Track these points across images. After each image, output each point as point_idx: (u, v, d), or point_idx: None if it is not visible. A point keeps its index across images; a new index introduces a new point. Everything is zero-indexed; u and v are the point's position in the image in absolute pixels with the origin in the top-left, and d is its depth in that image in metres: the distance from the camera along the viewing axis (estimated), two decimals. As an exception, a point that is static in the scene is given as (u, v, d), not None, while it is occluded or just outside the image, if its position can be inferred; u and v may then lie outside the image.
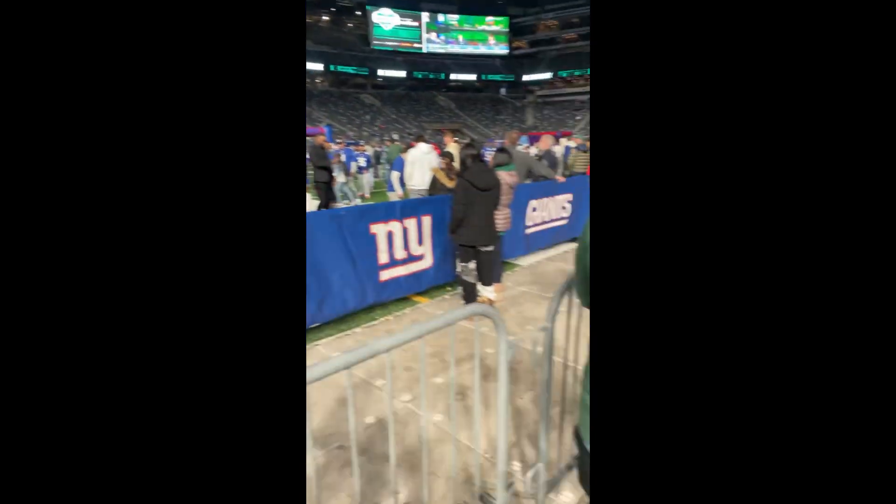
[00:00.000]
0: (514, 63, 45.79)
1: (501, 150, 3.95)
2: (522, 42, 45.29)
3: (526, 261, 5.14)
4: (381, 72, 43.07)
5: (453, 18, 43.33)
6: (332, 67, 40.73)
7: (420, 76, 42.11)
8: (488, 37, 44.73)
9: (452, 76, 44.46)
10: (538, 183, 5.24)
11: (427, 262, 4.03)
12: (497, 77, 45.97)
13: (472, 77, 45.30)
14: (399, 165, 5.98)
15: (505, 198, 3.62)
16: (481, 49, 44.89)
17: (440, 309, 3.86)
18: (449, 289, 4.26)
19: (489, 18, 44.21)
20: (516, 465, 1.95)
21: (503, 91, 46.07)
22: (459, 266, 3.60)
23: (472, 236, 3.42)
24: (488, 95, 44.99)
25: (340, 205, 8.19)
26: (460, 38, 43.83)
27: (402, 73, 43.51)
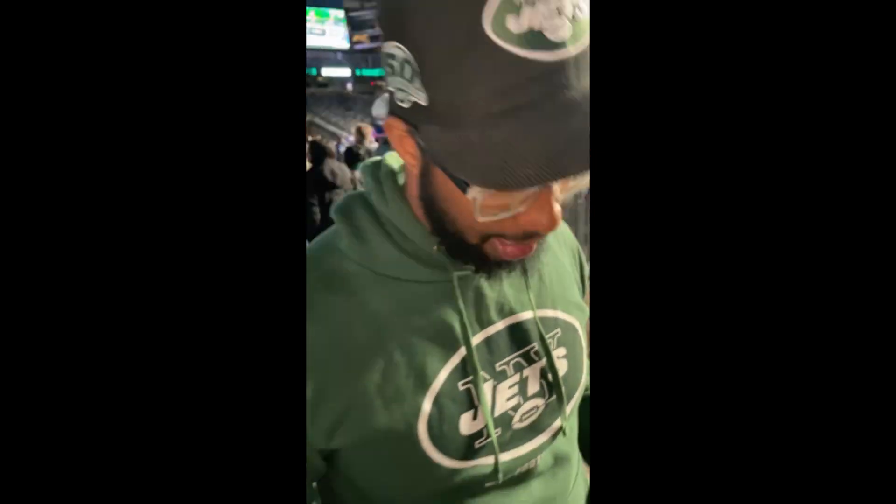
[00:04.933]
0: (357, 58, 45.61)
1: (349, 150, 3.90)
2: (363, 36, 45.23)
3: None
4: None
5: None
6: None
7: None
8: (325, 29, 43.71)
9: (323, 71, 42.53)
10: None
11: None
12: (370, 72, 44.96)
13: (346, 73, 44.00)
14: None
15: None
16: (322, 42, 43.67)
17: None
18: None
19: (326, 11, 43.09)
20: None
21: (349, 86, 45.63)
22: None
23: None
24: (335, 91, 44.14)
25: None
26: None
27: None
